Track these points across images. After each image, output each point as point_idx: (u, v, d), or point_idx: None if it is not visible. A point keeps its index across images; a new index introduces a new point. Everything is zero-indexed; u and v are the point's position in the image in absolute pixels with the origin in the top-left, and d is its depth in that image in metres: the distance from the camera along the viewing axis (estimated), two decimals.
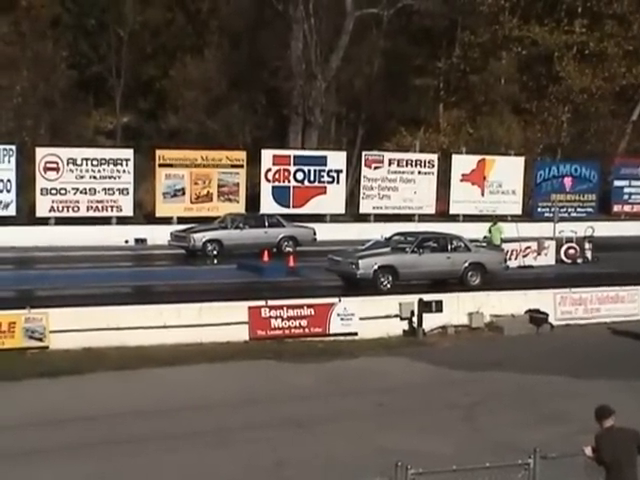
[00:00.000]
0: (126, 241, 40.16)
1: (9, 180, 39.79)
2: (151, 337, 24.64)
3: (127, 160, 41.88)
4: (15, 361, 22.89)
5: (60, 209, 40.58)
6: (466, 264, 31.17)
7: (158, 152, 42.81)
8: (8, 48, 46.24)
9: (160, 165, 42.62)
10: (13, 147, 40.25)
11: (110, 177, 41.46)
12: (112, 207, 41.56)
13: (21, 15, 47.13)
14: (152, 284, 31.98)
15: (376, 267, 30.08)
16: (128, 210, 41.77)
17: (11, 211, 39.89)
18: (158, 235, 39.38)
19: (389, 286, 30.04)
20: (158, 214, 42.18)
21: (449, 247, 31.59)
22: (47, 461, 16.18)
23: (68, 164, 40.74)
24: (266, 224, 38.24)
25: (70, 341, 23.93)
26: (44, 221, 40.19)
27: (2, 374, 21.50)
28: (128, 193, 41.79)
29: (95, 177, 41.21)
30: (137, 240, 40.27)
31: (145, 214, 43.75)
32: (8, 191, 39.80)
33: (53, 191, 40.49)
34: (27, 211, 40.70)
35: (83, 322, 24.34)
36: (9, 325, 23.91)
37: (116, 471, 15.97)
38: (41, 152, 40.58)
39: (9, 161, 39.80)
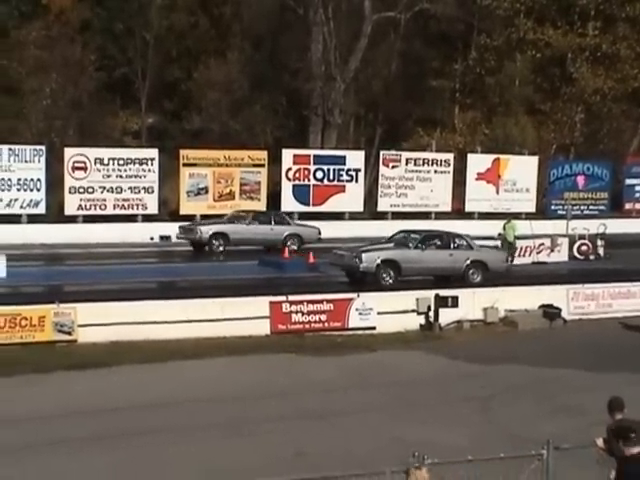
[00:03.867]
0: (151, 238, 40.89)
1: (39, 179, 40.69)
2: (175, 331, 24.93)
3: (152, 160, 42.74)
4: (45, 354, 23.15)
5: (88, 207, 41.46)
6: (468, 262, 31.29)
7: (182, 152, 43.60)
8: (39, 52, 47.22)
9: (184, 164, 43.41)
10: (43, 147, 41.20)
11: (136, 176, 42.32)
12: (138, 205, 42.39)
13: (52, 20, 48.10)
14: (176, 280, 32.38)
15: (379, 261, 30.19)
16: (153, 208, 42.57)
17: (41, 209, 40.75)
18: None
19: (391, 281, 30.20)
20: (182, 212, 42.90)
21: (452, 245, 31.65)
22: (74, 451, 16.42)
23: (95, 164, 41.61)
24: (272, 221, 38.69)
25: (98, 335, 24.34)
26: (72, 219, 41.10)
27: (32, 367, 21.81)
28: (153, 192, 42.65)
29: (121, 176, 42.07)
30: (162, 237, 40.95)
31: (169, 212, 44.47)
32: (38, 190, 40.70)
33: (81, 190, 41.36)
34: (56, 209, 41.48)
35: (110, 316, 24.74)
36: (39, 319, 24.33)
37: (140, 461, 16.16)
38: (70, 152, 41.48)
39: (39, 161, 40.69)
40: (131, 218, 41.89)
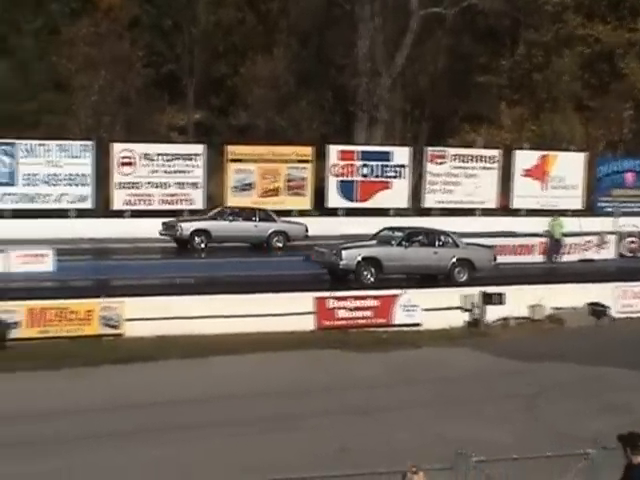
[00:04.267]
0: None
1: (87, 174, 41.13)
2: (220, 326, 25.16)
3: (198, 155, 42.93)
4: (92, 347, 23.56)
5: (134, 202, 41.71)
6: (453, 260, 30.65)
7: (228, 147, 43.75)
8: (88, 49, 47.71)
9: (230, 160, 43.56)
10: (91, 143, 41.53)
11: (182, 172, 42.53)
12: (184, 200, 42.65)
13: (101, 17, 48.56)
14: (221, 275, 32.24)
15: (359, 258, 29.58)
16: (199, 203, 42.80)
17: (88, 204, 41.16)
18: None
19: (372, 279, 29.56)
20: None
21: (436, 242, 31.10)
22: (120, 444, 16.68)
23: (142, 159, 41.96)
24: (257, 218, 38.14)
25: (144, 329, 24.65)
26: (119, 214, 41.34)
27: (80, 360, 22.19)
28: (199, 187, 42.89)
29: (168, 172, 42.33)
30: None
31: (214, 207, 44.60)
32: (86, 185, 41.14)
33: (128, 185, 41.67)
34: (103, 204, 41.72)
35: (156, 311, 25.05)
36: (87, 313, 24.74)
37: (184, 455, 16.38)
38: (117, 148, 41.72)
39: (87, 156, 41.12)
40: (177, 213, 42.04)
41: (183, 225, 37.20)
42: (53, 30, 48.84)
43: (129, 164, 41.64)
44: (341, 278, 30.16)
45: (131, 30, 49.79)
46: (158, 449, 16.63)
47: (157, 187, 42.15)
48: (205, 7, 50.96)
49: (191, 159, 42.76)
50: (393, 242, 30.62)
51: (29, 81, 47.83)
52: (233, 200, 43.03)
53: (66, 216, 40.13)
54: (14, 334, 23.42)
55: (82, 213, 40.62)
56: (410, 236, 30.99)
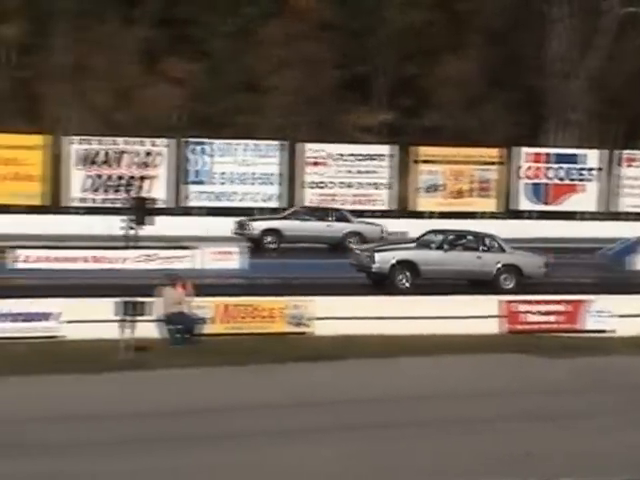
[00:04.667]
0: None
1: (277, 174, 41.90)
2: (407, 327, 24.94)
3: (387, 156, 43.32)
4: (279, 345, 23.64)
5: (321, 202, 42.18)
6: (499, 265, 29.09)
7: (416, 148, 43.88)
8: (279, 50, 48.67)
9: (418, 161, 43.71)
10: (280, 143, 42.43)
11: (370, 172, 42.96)
12: (370, 201, 42.96)
13: (292, 18, 49.45)
14: None
15: (394, 262, 28.28)
16: (386, 204, 43.03)
17: (276, 203, 41.96)
18: (415, 229, 39.91)
19: (408, 284, 28.24)
20: (415, 208, 43.47)
21: (480, 247, 29.52)
22: (306, 441, 16.62)
23: (332, 159, 42.47)
24: (331, 218, 37.25)
25: (331, 328, 24.64)
26: None
27: (268, 357, 22.33)
28: (387, 188, 43.11)
29: (356, 172, 42.78)
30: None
31: (402, 208, 44.74)
32: (275, 184, 41.96)
33: (316, 185, 42.33)
34: (289, 203, 42.33)
35: (344, 310, 25.07)
36: (274, 311, 25.01)
37: (370, 453, 16.21)
38: (306, 148, 42.55)
39: (276, 156, 41.98)
40: (364, 214, 42.32)
41: (253, 224, 36.65)
42: (246, 32, 49.98)
43: (318, 164, 42.26)
44: (377, 283, 28.85)
45: (322, 31, 50.39)
46: (341, 447, 16.64)
47: (345, 187, 42.61)
48: (396, 8, 51.12)
49: (378, 160, 43.07)
50: (432, 245, 29.38)
51: (223, 82, 49.13)
52: (420, 202, 43.11)
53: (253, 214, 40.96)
54: (204, 329, 23.97)
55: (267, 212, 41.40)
56: (451, 239, 29.65)
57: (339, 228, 36.87)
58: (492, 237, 30.19)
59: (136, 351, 21.41)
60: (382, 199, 43.07)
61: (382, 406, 19.31)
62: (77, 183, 41.13)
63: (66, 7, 49.15)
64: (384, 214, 42.78)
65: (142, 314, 21.66)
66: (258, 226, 36.61)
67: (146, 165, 41.56)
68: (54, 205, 40.75)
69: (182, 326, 23.12)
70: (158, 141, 41.76)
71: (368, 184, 43.00)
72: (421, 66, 52.61)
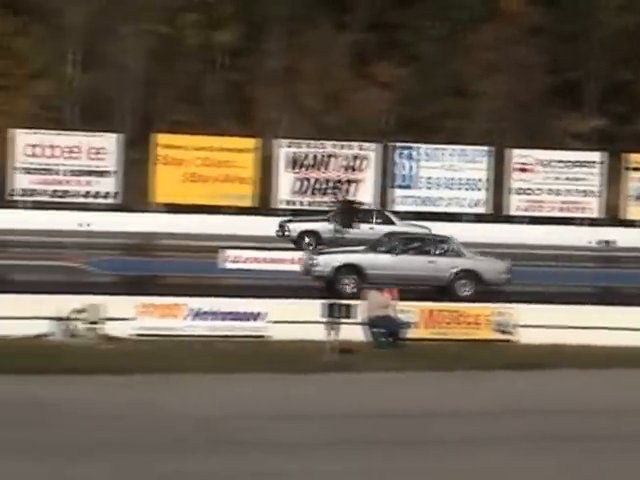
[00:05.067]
0: (589, 242, 40.37)
1: (484, 179, 41.68)
2: (617, 338, 24.61)
3: (596, 163, 42.35)
4: (484, 352, 23.63)
5: (528, 208, 41.83)
6: (454, 270, 27.30)
7: (627, 155, 42.79)
8: (488, 53, 48.41)
9: (629, 168, 42.62)
10: (488, 148, 42.17)
11: (579, 179, 42.14)
12: (578, 208, 42.15)
13: (502, 22, 49.02)
14: (618, 286, 31.51)
15: (337, 265, 26.90)
16: (595, 212, 42.14)
17: (483, 209, 41.74)
18: (628, 237, 39.15)
19: (355, 290, 26.07)
20: (626, 217, 42.46)
21: (434, 250, 27.70)
22: (507, 449, 15.93)
23: (540, 165, 41.91)
24: (374, 220, 34.44)
25: (538, 336, 24.47)
26: (511, 219, 41.66)
27: (473, 363, 22.29)
28: (595, 195, 42.21)
29: (565, 179, 42.06)
30: (604, 242, 40.30)
31: (612, 216, 43.71)
32: (482, 190, 41.73)
33: (524, 191, 41.83)
34: (496, 209, 42.08)
35: (551, 319, 24.85)
36: (480, 318, 25.12)
37: (580, 464, 15.21)
38: (514, 153, 42.13)
39: (484, 161, 41.75)
40: (570, 220, 41.52)
41: (291, 226, 35.16)
42: (455, 36, 49.94)
43: (526, 170, 41.74)
44: (328, 288, 26.71)
45: (532, 36, 49.78)
46: (544, 456, 16.28)
47: (552, 194, 41.98)
48: (612, 11, 49.98)
49: (588, 167, 42.20)
50: (381, 248, 27.73)
51: (431, 86, 49.22)
52: (631, 210, 41.99)
53: (460, 220, 40.78)
54: (408, 334, 24.08)
55: (475, 217, 41.23)
56: (402, 242, 28.07)
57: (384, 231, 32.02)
58: (449, 241, 28.39)
59: (341, 353, 21.68)
60: (591, 207, 42.19)
61: (591, 418, 18.94)
62: (286, 186, 41.90)
63: (279, 12, 50.36)
64: (593, 222, 41.93)
65: (348, 316, 21.92)
66: (296, 227, 34.74)
67: (353, 169, 41.98)
68: (263, 207, 41.59)
69: (386, 330, 23.27)
70: (365, 145, 42.14)
71: (577, 191, 42.19)
72: (635, 71, 51.24)
